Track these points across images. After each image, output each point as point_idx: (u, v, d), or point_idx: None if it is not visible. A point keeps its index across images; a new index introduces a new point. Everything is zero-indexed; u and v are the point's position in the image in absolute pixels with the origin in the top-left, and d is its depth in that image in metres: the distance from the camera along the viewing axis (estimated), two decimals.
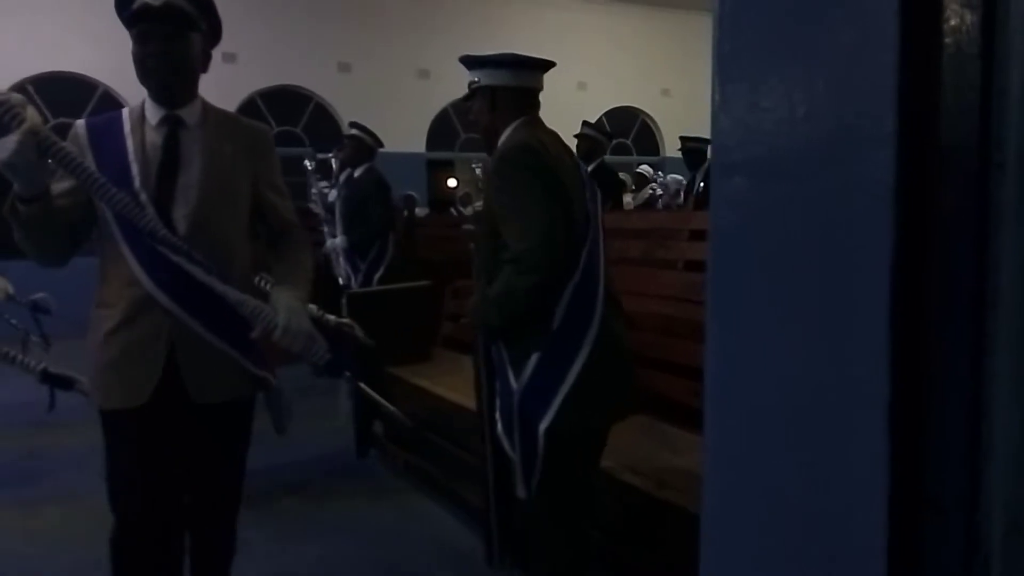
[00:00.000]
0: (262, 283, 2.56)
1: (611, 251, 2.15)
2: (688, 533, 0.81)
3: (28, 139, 1.51)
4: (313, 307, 2.86)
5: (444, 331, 4.25)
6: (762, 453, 0.61)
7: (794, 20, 0.57)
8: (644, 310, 2.83)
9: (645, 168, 8.84)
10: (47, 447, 4.24)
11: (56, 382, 2.91)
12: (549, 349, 1.93)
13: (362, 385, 3.80)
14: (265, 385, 1.94)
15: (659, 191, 7.96)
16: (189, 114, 1.83)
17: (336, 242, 4.90)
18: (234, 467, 1.99)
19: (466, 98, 2.19)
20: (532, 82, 2.12)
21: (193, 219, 1.77)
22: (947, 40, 0.50)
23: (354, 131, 5.09)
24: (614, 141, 11.78)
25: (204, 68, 1.87)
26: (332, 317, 3.51)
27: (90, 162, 1.71)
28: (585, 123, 6.03)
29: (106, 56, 7.45)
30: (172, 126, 1.81)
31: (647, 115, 12.92)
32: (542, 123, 2.12)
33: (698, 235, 3.07)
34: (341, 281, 4.86)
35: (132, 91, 1.78)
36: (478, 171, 5.97)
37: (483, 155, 2.74)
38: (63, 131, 1.79)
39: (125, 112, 1.84)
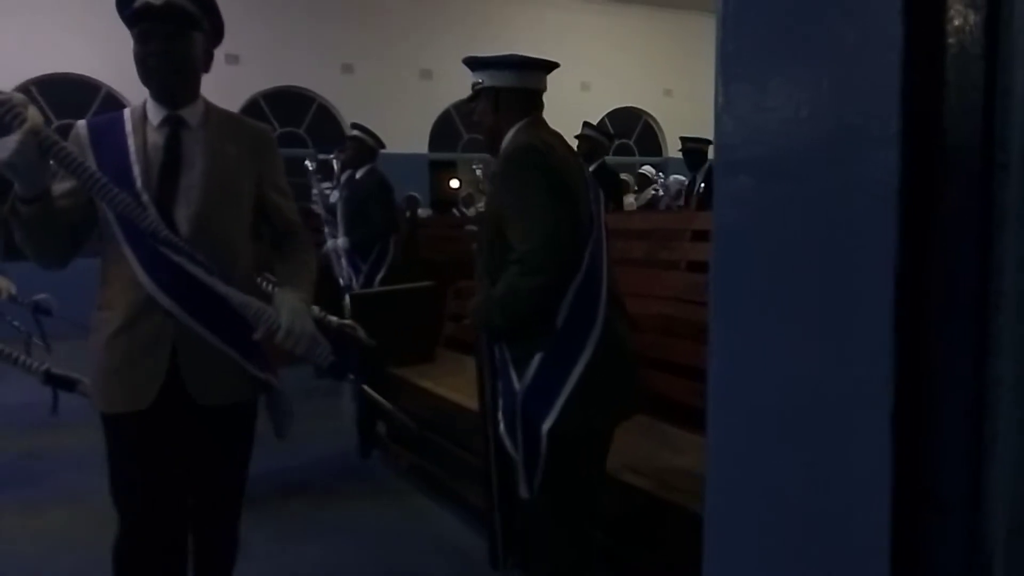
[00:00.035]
0: (265, 284, 2.56)
1: (614, 252, 2.15)
2: (690, 533, 0.81)
3: (29, 139, 1.50)
4: (315, 308, 2.86)
5: (446, 332, 4.25)
6: (765, 452, 0.61)
7: (797, 20, 0.57)
8: (646, 311, 2.82)
9: (648, 169, 8.85)
10: (48, 447, 4.25)
11: (59, 383, 2.91)
12: (552, 349, 1.93)
13: (366, 387, 3.80)
14: (267, 387, 1.93)
15: (661, 192, 7.96)
16: (191, 114, 1.82)
17: (338, 243, 4.91)
18: (236, 469, 1.99)
19: (470, 99, 2.19)
20: (536, 83, 2.12)
21: (195, 220, 1.76)
22: (951, 40, 0.50)
23: (355, 132, 5.10)
24: (616, 142, 11.80)
25: (206, 68, 1.85)
26: (334, 318, 3.51)
27: (91, 162, 1.70)
28: (586, 124, 6.04)
29: (109, 57, 7.47)
30: (174, 126, 1.80)
31: (650, 116, 12.93)
32: (546, 124, 2.11)
33: (700, 236, 3.06)
34: (342, 282, 4.86)
35: (135, 92, 1.78)
36: (479, 172, 5.99)
37: (485, 156, 2.75)
38: (65, 132, 1.78)
39: (127, 112, 1.83)
